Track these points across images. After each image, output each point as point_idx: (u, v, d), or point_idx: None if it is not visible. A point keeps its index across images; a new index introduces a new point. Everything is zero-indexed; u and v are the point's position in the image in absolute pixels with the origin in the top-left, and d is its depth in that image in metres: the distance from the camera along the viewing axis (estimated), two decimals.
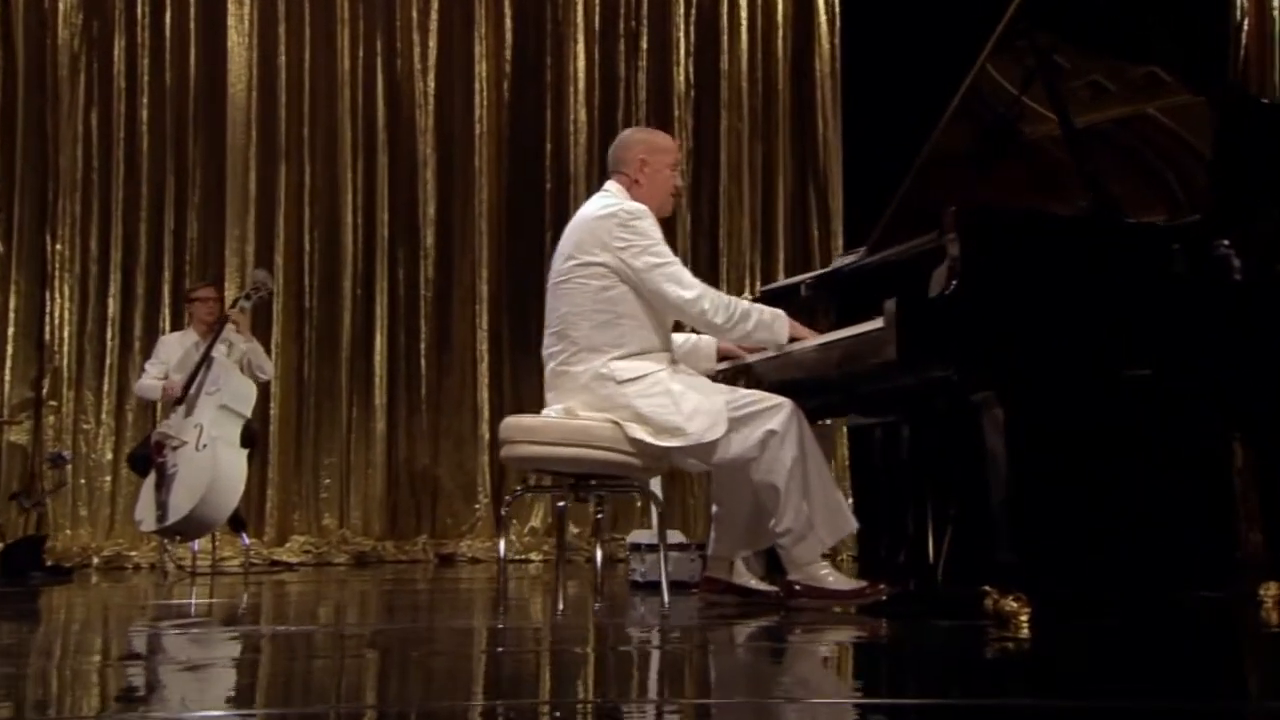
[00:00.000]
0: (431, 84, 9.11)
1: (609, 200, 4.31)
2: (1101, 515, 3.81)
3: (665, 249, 4.18)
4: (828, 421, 4.71)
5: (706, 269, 9.10)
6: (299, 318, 8.84)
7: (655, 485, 5.64)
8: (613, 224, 4.17)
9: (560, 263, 4.30)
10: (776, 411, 4.04)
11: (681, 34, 9.34)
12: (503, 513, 4.16)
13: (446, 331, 8.99)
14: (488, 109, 9.12)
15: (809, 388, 4.23)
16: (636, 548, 5.45)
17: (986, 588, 3.51)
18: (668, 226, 8.88)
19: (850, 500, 8.25)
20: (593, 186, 8.44)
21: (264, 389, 8.35)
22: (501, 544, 4.17)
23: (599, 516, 4.29)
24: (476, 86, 9.11)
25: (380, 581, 6.70)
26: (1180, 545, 4.10)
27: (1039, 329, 3.61)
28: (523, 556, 8.55)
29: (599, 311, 4.15)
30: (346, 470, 8.74)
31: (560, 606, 4.08)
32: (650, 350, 4.18)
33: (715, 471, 4.31)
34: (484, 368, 8.88)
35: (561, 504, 4.12)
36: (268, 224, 8.83)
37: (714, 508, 4.50)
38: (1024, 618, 3.45)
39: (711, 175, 9.27)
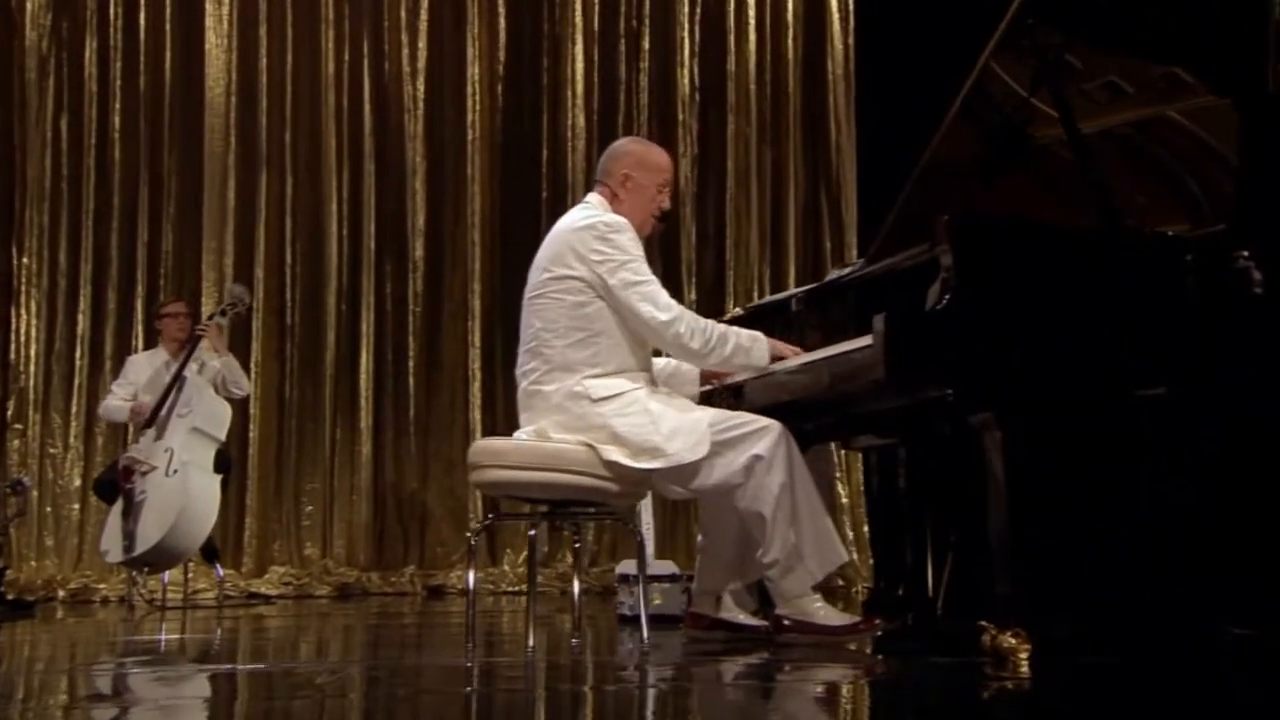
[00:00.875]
0: (421, 87, 9.13)
1: (589, 212, 4.32)
2: (1113, 545, 3.76)
3: (643, 266, 4.17)
4: (832, 446, 4.67)
5: (712, 281, 9.10)
6: (280, 335, 8.84)
7: (646, 511, 5.63)
8: (590, 236, 4.17)
9: (536, 276, 4.30)
10: (763, 435, 4.01)
11: (686, 34, 9.35)
12: (472, 543, 4.13)
13: (436, 349, 8.99)
14: (480, 114, 9.12)
15: (801, 410, 4.20)
16: (625, 579, 5.42)
17: (983, 623, 3.47)
18: (671, 235, 9.00)
19: (866, 528, 8.29)
20: None
21: (242, 410, 8.38)
22: (470, 576, 4.13)
23: (577, 545, 4.27)
24: (469, 90, 9.12)
25: (365, 615, 6.68)
26: (1209, 578, 4.03)
27: (1039, 346, 3.57)
28: (516, 588, 8.53)
29: (574, 329, 4.14)
30: (330, 496, 8.72)
31: (530, 644, 4.05)
32: (628, 369, 4.17)
33: (701, 499, 4.28)
34: (476, 387, 8.87)
35: (532, 533, 4.10)
36: (247, 236, 8.84)
37: (699, 537, 4.47)
38: (1023, 655, 3.41)
39: (718, 183, 9.27)
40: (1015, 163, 4.59)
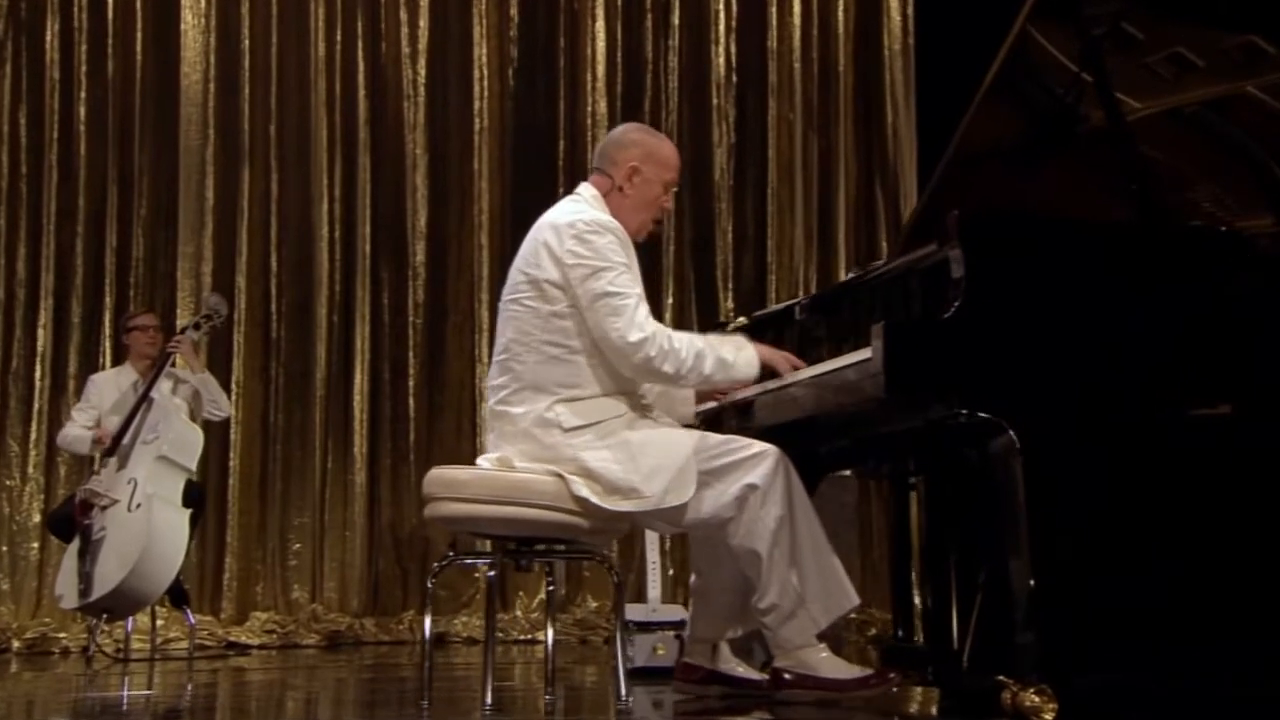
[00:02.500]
0: (422, 71, 9.15)
1: (576, 206, 4.29)
2: (1157, 587, 3.69)
3: (623, 278, 4.11)
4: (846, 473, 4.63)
5: (751, 287, 9.08)
6: (264, 351, 8.87)
7: (653, 549, 5.60)
8: (568, 234, 4.15)
9: (512, 277, 4.28)
10: (757, 462, 3.98)
11: (721, 6, 9.37)
12: (428, 585, 4.12)
13: (440, 366, 9.00)
14: (489, 100, 9.15)
15: (815, 430, 4.16)
16: (627, 627, 5.40)
17: (1002, 678, 3.41)
18: (706, 236, 8.98)
19: None
20: None
21: (222, 436, 8.42)
22: (427, 622, 4.14)
23: (550, 589, 4.24)
24: (475, 73, 9.15)
25: (357, 668, 6.69)
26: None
27: (1066, 358, 3.52)
28: (528, 636, 8.51)
29: (550, 343, 4.13)
30: (320, 533, 8.73)
31: (489, 701, 4.03)
32: (609, 394, 4.14)
33: (691, 534, 4.25)
34: (484, 410, 8.84)
35: (492, 574, 4.08)
36: (228, 240, 8.86)
37: (692, 578, 4.43)
38: (1048, 716, 3.35)
39: (758, 175, 9.25)
40: (1064, 148, 4.53)
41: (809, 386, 3.94)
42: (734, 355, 4.15)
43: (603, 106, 9.18)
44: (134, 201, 8.86)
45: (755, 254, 9.20)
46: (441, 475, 4.08)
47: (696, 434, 4.14)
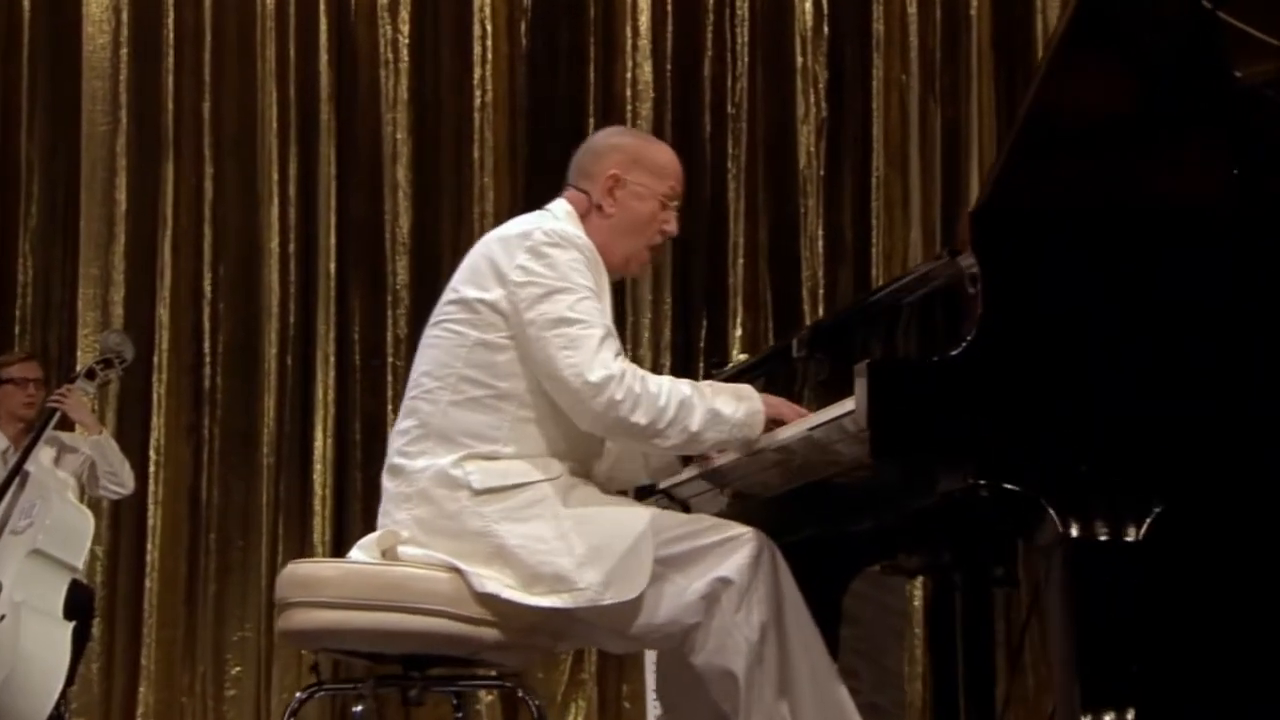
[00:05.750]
0: (404, 28, 9.23)
1: (540, 221, 4.28)
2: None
3: (587, 304, 4.09)
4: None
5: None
6: (194, 405, 8.96)
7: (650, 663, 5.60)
8: (520, 247, 4.15)
9: (443, 298, 4.31)
10: (732, 548, 3.95)
11: None
12: None
13: None
14: (494, 66, 9.23)
15: (831, 509, 4.16)
16: None
17: None
18: (788, 243, 8.96)
19: None
20: None
21: (137, 518, 8.60)
22: None
23: None
24: (476, 30, 9.22)
25: None
26: None
27: (1131, 411, 3.47)
28: None
29: (470, 380, 4.12)
30: (267, 651, 8.79)
31: None
32: (541, 454, 4.13)
33: (652, 650, 4.25)
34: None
35: (357, 709, 4.12)
36: (145, 257, 9.00)
37: (656, 708, 4.42)
38: None
39: (858, 160, 9.26)
40: (1195, 118, 4.49)
41: (790, 447, 3.92)
42: (733, 408, 4.06)
43: (647, 72, 9.21)
44: (20, 206, 9.00)
45: (856, 265, 9.17)
46: (296, 573, 4.11)
47: (653, 511, 4.14)
